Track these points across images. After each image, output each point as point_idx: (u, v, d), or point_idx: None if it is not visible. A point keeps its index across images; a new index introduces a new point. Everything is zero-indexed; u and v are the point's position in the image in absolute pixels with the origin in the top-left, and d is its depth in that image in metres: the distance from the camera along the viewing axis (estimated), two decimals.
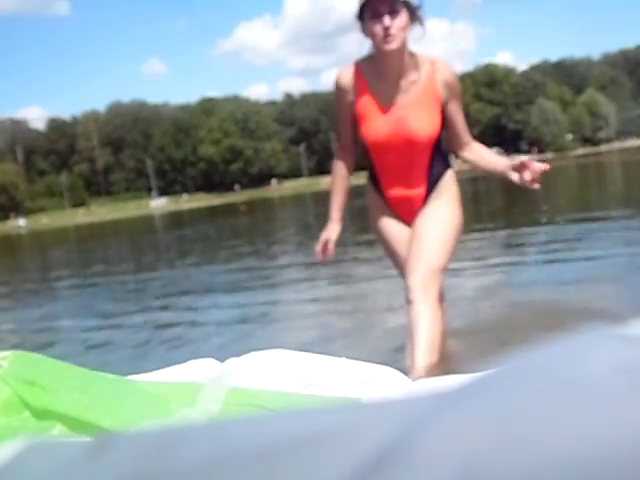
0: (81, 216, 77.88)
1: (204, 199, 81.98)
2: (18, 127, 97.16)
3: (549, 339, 0.25)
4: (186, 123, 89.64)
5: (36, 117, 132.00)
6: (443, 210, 2.58)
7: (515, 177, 2.31)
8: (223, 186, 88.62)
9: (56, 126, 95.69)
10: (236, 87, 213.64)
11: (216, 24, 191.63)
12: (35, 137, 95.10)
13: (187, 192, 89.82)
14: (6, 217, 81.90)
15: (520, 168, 2.30)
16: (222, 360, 0.86)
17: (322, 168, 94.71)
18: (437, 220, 2.55)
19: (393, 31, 2.34)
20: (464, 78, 78.77)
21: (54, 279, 9.61)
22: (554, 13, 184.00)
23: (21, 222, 78.98)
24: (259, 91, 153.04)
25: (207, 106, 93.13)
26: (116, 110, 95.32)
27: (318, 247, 2.63)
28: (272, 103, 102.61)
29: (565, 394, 0.23)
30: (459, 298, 3.83)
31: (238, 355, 0.86)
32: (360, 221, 8.33)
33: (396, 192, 2.61)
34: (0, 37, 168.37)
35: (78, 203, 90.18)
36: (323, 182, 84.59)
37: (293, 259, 8.04)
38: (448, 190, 2.61)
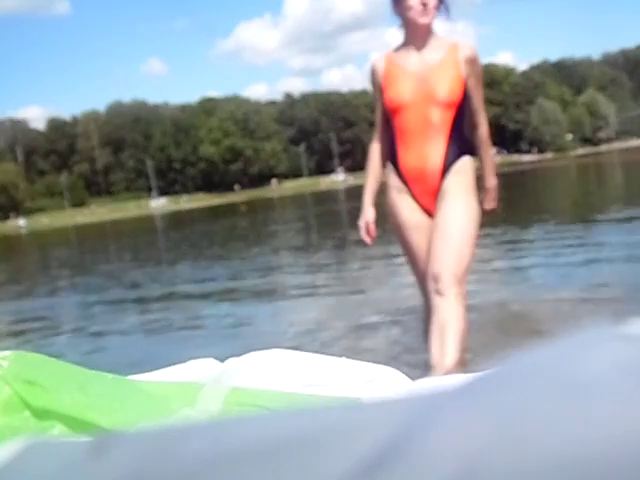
0: (81, 216, 77.90)
1: (204, 199, 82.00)
2: (18, 127, 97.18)
3: (550, 338, 0.26)
4: (186, 123, 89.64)
5: (36, 117, 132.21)
6: (463, 202, 2.66)
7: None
8: (223, 186, 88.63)
9: (56, 126, 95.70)
10: (236, 87, 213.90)
11: (216, 24, 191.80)
12: (35, 137, 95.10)
13: (187, 192, 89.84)
14: (6, 217, 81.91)
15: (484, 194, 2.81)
16: (222, 360, 0.86)
17: (322, 168, 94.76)
18: (460, 215, 2.64)
19: (430, 6, 2.61)
20: None
21: (51, 280, 9.61)
22: (554, 13, 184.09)
23: (21, 222, 78.99)
24: (259, 91, 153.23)
25: (207, 106, 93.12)
26: (116, 110, 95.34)
27: (362, 232, 2.86)
28: (272, 103, 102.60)
29: (566, 393, 0.23)
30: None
31: (238, 355, 0.87)
32: None
33: (412, 163, 2.68)
34: (0, 37, 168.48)
35: (78, 203, 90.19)
36: (323, 182, 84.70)
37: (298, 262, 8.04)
38: (464, 178, 2.68)
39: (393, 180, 2.76)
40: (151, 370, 0.87)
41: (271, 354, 0.86)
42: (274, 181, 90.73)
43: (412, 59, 2.69)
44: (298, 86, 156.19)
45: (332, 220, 13.80)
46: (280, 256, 8.77)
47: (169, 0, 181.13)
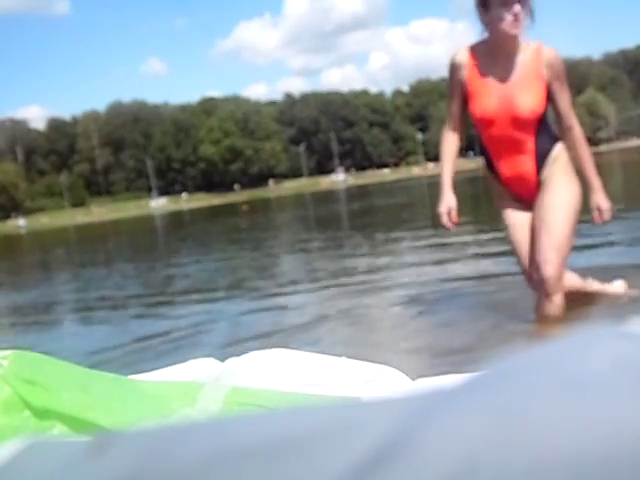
0: (81, 216, 77.85)
1: (204, 199, 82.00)
2: (18, 127, 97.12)
3: (550, 337, 0.25)
4: (186, 123, 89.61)
5: (36, 117, 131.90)
6: (564, 189, 2.78)
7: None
8: (223, 186, 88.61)
9: (56, 126, 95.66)
10: (236, 87, 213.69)
11: (216, 24, 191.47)
12: (35, 137, 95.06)
13: (187, 192, 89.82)
14: (6, 217, 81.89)
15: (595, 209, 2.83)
16: (222, 360, 0.86)
17: (322, 168, 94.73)
18: (561, 204, 2.76)
19: (520, 17, 2.63)
20: None
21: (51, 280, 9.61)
22: (554, 13, 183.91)
23: (21, 222, 78.96)
24: (259, 91, 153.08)
25: (207, 106, 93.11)
26: (116, 110, 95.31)
27: (444, 218, 2.88)
28: (272, 103, 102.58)
29: (566, 391, 0.22)
30: (463, 287, 3.82)
31: (238, 355, 0.87)
32: None
33: (507, 169, 2.81)
34: (0, 37, 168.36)
35: (78, 203, 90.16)
36: (323, 182, 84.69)
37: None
38: (560, 163, 2.80)
39: (495, 188, 2.91)
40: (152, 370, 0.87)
41: (271, 353, 0.86)
42: (271, 181, 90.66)
43: (497, 71, 2.73)
44: (298, 86, 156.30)
45: (338, 223, 13.82)
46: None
47: (169, 0, 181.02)
